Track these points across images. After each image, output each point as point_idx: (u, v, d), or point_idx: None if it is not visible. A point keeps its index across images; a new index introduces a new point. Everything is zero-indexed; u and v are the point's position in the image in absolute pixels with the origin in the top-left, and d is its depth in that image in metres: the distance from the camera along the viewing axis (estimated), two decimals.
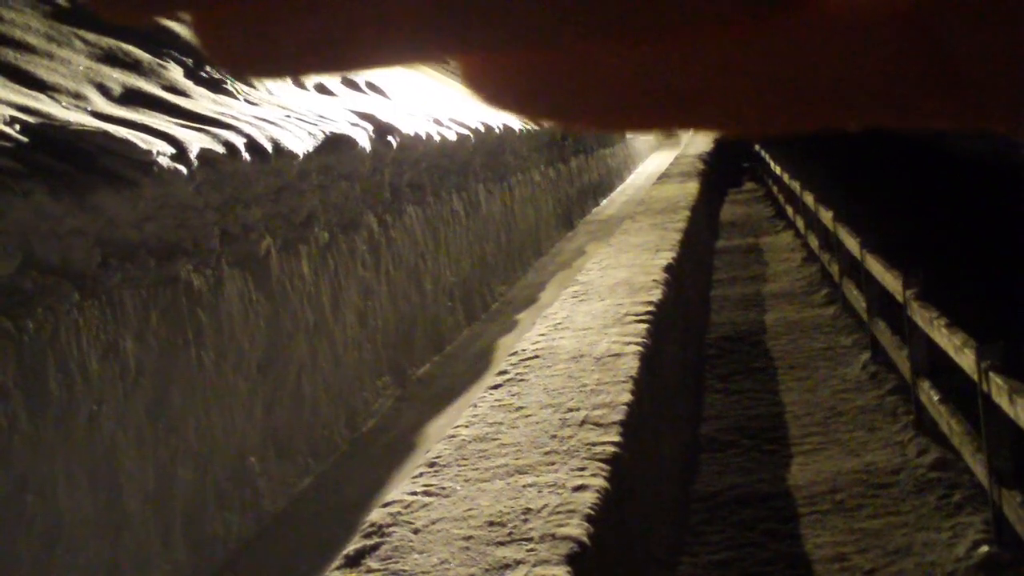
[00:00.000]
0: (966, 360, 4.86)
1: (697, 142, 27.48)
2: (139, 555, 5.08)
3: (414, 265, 10.19)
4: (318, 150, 7.64)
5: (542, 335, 5.28)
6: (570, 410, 3.83)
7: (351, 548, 2.82)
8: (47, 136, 5.25)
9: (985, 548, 4.71)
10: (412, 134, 9.95)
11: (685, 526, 5.37)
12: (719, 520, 5.45)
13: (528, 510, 2.90)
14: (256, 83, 8.56)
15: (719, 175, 21.91)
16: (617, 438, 3.48)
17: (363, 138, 8.55)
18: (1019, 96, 0.25)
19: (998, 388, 4.39)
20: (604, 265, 7.41)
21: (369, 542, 2.82)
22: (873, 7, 0.25)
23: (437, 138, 10.82)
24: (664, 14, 0.24)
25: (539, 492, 3.03)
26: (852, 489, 5.63)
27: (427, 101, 12.98)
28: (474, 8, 0.24)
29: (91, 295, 5.09)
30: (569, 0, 0.24)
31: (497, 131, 13.85)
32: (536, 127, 16.38)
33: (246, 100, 8.02)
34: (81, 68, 6.61)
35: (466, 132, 12.15)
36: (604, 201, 24.04)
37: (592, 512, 2.86)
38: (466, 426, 3.81)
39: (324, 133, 7.90)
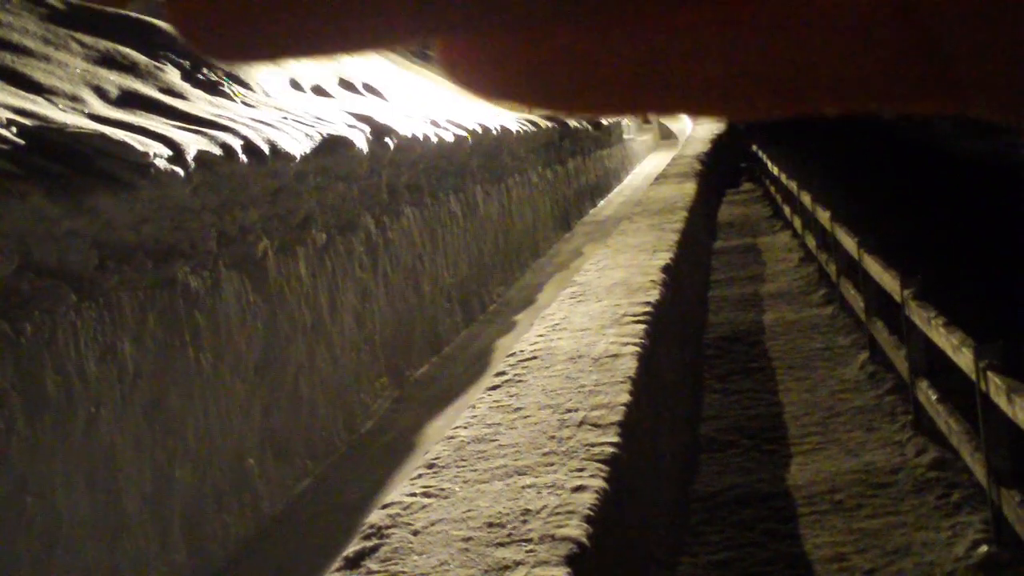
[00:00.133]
0: (964, 359, 4.86)
1: (695, 143, 27.49)
2: (138, 557, 5.07)
3: (412, 266, 10.18)
4: (315, 152, 7.63)
5: (540, 336, 5.28)
6: (568, 411, 3.83)
7: (350, 550, 2.82)
8: (44, 138, 5.24)
9: (984, 548, 4.71)
10: (409, 135, 9.94)
11: (684, 526, 5.37)
12: (718, 520, 5.45)
13: (527, 511, 2.89)
14: (253, 85, 8.55)
15: (717, 175, 21.91)
16: (616, 439, 3.48)
17: (360, 140, 8.54)
18: (1005, 76, 0.25)
19: (996, 387, 4.39)
20: (602, 266, 7.41)
21: (368, 544, 2.81)
22: None
23: (434, 139, 10.81)
24: None
25: (538, 493, 3.03)
26: (851, 489, 5.63)
27: (424, 102, 12.98)
28: None
29: (88, 297, 5.08)
30: None
31: (494, 132, 13.84)
32: (526, 122, 16.37)
33: (243, 102, 8.01)
34: (78, 71, 6.61)
35: (463, 133, 12.14)
36: (602, 202, 24.02)
37: (591, 513, 2.86)
38: (465, 427, 3.81)
39: (321, 135, 7.89)
